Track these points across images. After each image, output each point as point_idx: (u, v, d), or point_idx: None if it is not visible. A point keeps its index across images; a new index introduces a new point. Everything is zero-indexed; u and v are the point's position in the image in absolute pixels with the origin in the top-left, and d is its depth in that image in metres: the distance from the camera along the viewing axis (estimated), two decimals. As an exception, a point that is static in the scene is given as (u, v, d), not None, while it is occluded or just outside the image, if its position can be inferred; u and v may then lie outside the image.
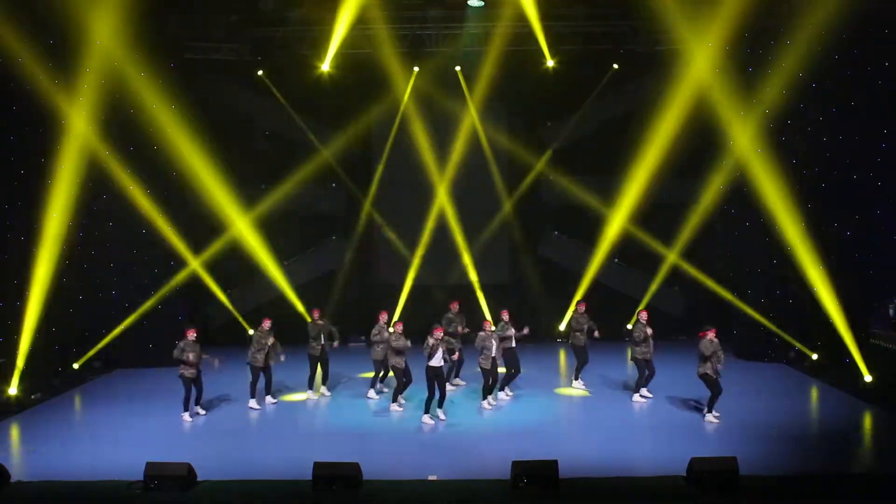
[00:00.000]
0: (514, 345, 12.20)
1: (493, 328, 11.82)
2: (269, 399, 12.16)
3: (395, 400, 11.63)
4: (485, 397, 11.72)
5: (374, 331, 12.21)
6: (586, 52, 15.68)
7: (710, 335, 10.63)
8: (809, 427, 10.69)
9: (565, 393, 12.85)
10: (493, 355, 11.47)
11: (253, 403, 11.95)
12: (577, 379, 12.94)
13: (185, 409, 11.36)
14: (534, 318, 16.78)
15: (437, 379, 10.89)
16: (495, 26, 15.46)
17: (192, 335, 11.19)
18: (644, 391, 12.06)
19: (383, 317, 12.47)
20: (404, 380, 11.50)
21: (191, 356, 11.08)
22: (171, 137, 14.68)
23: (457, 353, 12.04)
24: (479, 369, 11.64)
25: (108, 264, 14.68)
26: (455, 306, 13.57)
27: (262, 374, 11.90)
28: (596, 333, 12.84)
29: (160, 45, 14.80)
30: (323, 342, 12.40)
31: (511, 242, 17.34)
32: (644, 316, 11.92)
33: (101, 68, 13.57)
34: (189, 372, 11.15)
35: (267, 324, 11.82)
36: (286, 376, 12.99)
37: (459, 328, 13.03)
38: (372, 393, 12.42)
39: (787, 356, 14.53)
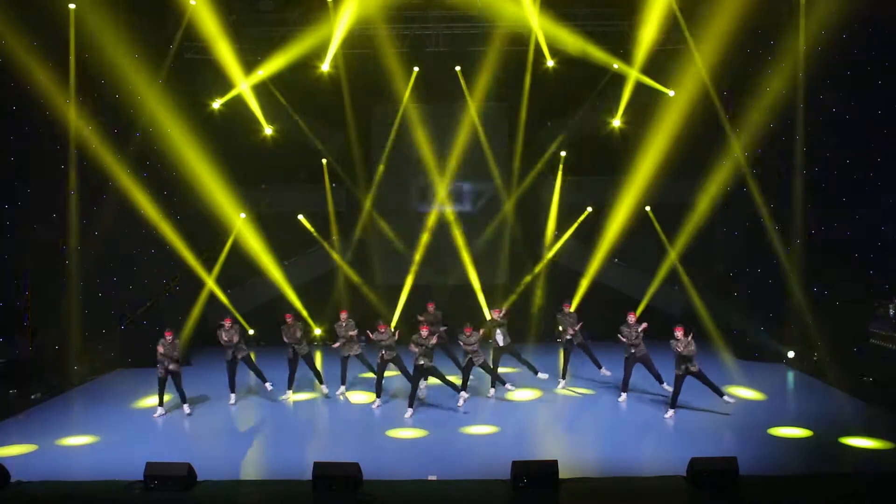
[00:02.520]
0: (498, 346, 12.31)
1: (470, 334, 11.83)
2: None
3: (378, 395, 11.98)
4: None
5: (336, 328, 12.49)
6: (586, 52, 15.65)
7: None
8: (809, 427, 10.68)
9: (565, 393, 12.85)
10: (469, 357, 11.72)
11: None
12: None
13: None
14: (531, 318, 17.04)
15: (430, 374, 11.35)
16: (495, 26, 15.49)
17: (343, 315, 12.42)
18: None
19: (343, 315, 12.54)
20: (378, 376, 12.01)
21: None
22: (171, 137, 14.68)
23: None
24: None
25: (108, 264, 14.67)
26: (431, 307, 13.74)
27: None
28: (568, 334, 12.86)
29: (160, 44, 14.81)
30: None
31: (511, 242, 17.33)
32: (631, 318, 12.04)
33: (101, 68, 13.58)
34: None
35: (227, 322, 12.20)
36: (278, 377, 12.96)
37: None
38: (324, 388, 12.75)
39: (786, 356, 14.53)
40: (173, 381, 11.47)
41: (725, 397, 11.05)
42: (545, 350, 15.98)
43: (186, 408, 11.61)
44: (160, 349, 11.40)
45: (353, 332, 12.31)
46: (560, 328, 13.00)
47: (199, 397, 12.47)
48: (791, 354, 14.41)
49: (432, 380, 12.09)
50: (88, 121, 13.54)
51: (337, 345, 12.40)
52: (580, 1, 15.43)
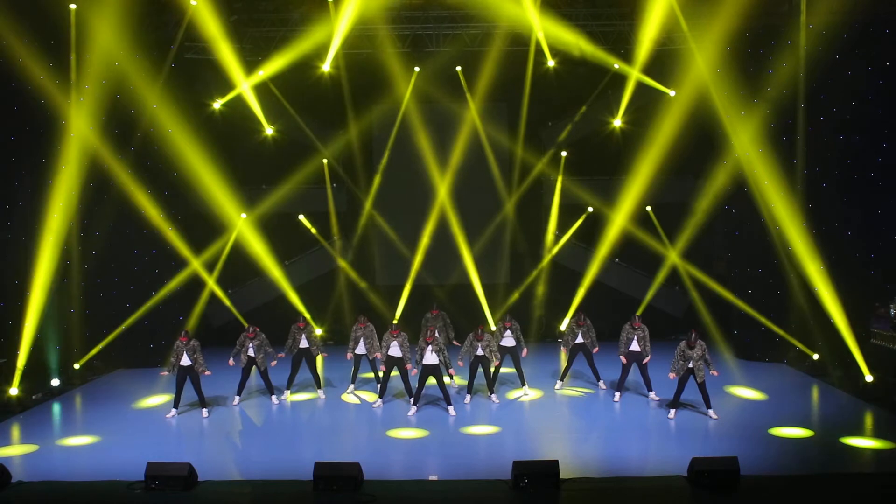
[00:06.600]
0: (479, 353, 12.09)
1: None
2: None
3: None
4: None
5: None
6: (586, 51, 15.66)
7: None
8: (810, 427, 10.68)
9: (566, 393, 12.86)
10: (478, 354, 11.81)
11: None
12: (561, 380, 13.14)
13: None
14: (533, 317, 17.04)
15: (433, 376, 11.35)
16: (495, 26, 15.49)
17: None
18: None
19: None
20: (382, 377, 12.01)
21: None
22: (172, 137, 14.68)
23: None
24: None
25: (108, 264, 14.66)
26: (434, 312, 13.81)
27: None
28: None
29: (160, 44, 14.81)
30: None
31: (511, 242, 17.33)
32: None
33: (101, 68, 13.57)
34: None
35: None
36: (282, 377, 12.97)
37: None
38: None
39: (787, 356, 14.53)
40: (193, 383, 11.36)
41: (711, 412, 11.06)
42: (544, 350, 16.02)
43: (205, 412, 11.57)
44: (185, 355, 11.21)
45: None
46: (565, 331, 12.96)
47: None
48: (791, 354, 14.39)
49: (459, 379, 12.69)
50: (88, 121, 13.53)
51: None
52: (580, 1, 15.44)
